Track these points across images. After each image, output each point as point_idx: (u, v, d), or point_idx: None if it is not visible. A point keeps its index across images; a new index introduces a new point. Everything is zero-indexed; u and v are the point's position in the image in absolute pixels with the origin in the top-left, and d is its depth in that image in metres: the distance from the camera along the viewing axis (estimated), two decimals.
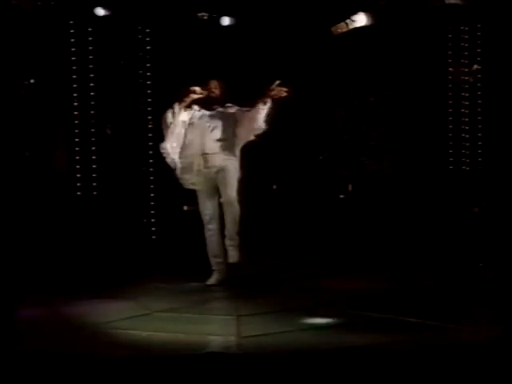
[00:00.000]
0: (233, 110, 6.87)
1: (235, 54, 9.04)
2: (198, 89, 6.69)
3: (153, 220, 9.32)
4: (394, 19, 8.88)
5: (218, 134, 6.79)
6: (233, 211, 6.78)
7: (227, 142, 6.81)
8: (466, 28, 9.35)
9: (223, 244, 6.89)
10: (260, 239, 8.28)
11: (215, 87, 6.83)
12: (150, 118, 9.31)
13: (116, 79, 9.14)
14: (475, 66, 9.33)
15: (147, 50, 9.33)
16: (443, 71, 9.40)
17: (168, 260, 8.33)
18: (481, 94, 9.33)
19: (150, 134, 9.30)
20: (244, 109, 6.83)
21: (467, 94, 9.42)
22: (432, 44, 9.21)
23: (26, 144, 8.73)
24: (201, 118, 6.80)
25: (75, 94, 9.07)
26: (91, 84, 9.08)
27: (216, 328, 5.61)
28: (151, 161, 9.31)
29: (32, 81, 8.88)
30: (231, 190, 6.77)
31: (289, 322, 5.54)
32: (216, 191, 6.87)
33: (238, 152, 6.86)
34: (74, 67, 9.04)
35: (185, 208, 8.89)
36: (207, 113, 6.82)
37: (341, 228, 8.96)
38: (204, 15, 9.12)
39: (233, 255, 6.86)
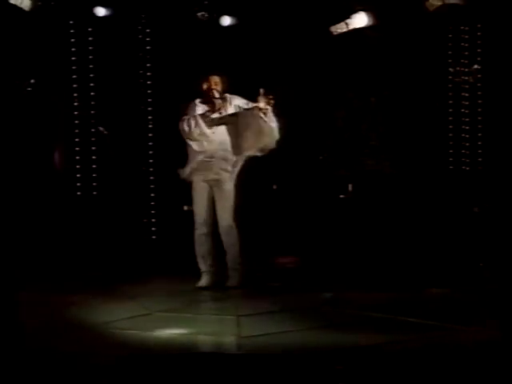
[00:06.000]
0: (234, 109, 6.69)
1: (235, 54, 9.02)
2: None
3: (153, 220, 9.32)
4: (395, 19, 8.87)
5: (220, 138, 6.66)
6: (231, 241, 6.66)
7: (227, 150, 6.67)
8: (466, 28, 9.35)
9: (213, 245, 6.74)
10: (260, 239, 8.28)
11: (216, 83, 6.74)
12: (150, 117, 9.30)
13: (116, 79, 9.14)
14: (475, 66, 9.32)
15: (147, 50, 9.32)
16: (443, 71, 9.40)
17: (168, 260, 8.33)
18: (481, 93, 9.32)
19: (150, 134, 9.30)
20: (244, 104, 6.66)
21: (467, 94, 9.41)
22: (432, 44, 9.20)
23: (26, 144, 8.72)
24: (207, 119, 6.64)
25: (75, 94, 9.07)
26: (91, 84, 9.07)
27: (216, 328, 5.62)
28: (151, 161, 9.31)
29: (32, 81, 8.87)
30: (228, 215, 6.63)
31: (289, 322, 5.55)
32: (211, 195, 6.73)
33: (238, 163, 6.72)
34: (74, 67, 9.04)
35: (185, 208, 8.88)
36: (214, 115, 6.65)
37: (341, 228, 8.95)
38: (204, 15, 9.10)
39: (232, 280, 6.73)
